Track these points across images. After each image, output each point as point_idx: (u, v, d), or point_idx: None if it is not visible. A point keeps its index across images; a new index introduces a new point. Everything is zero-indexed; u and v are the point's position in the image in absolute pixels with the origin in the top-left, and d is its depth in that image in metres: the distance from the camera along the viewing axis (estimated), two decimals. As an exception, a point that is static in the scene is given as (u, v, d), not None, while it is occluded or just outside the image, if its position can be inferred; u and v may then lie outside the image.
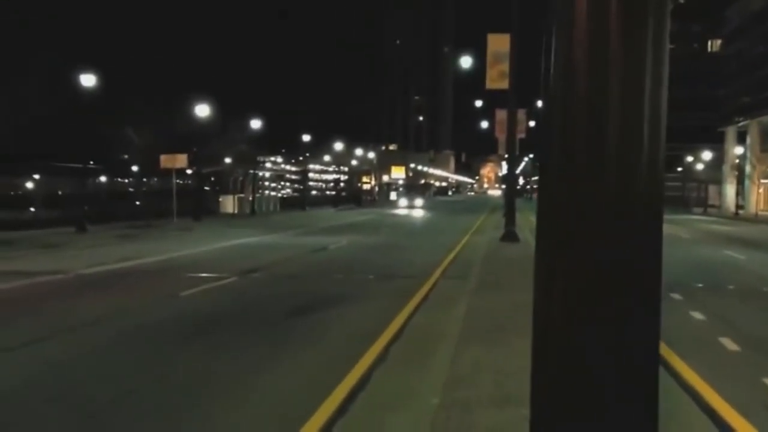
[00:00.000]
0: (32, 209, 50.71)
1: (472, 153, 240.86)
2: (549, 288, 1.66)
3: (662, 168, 1.62)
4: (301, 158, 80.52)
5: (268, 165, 79.92)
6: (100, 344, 8.89)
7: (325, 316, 10.68)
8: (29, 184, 66.33)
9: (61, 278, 15.13)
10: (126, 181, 66.93)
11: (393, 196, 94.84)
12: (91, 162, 53.31)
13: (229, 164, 51.73)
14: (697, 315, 10.90)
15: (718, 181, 71.05)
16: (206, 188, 52.46)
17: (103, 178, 65.90)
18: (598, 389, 1.61)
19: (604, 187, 1.58)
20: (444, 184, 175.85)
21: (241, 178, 57.06)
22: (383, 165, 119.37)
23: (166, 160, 38.91)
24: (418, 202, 71.90)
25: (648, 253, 1.61)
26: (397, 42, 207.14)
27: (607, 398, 1.61)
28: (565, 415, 1.64)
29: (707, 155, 70.02)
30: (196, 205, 43.08)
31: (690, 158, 71.24)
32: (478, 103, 65.91)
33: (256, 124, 51.75)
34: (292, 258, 19.75)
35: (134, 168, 52.75)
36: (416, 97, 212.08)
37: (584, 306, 1.60)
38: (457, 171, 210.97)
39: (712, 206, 69.78)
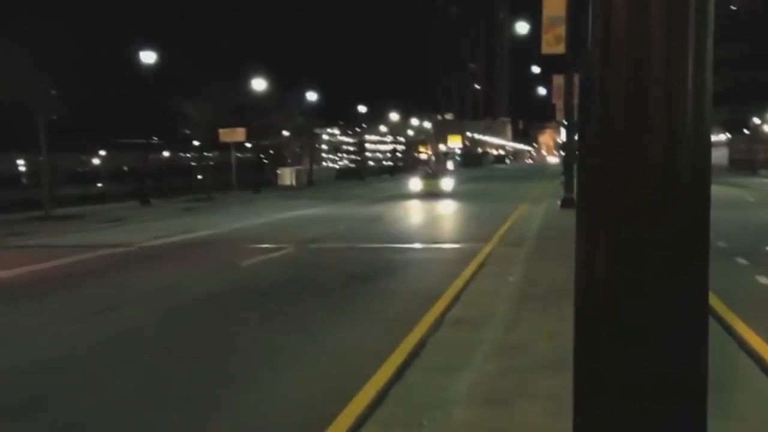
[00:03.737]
0: (99, 184, 52.37)
1: (530, 120, 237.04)
2: (591, 262, 1.60)
3: (709, 137, 1.55)
4: (357, 129, 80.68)
5: (326, 137, 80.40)
6: (164, 313, 9.21)
7: (381, 284, 10.79)
8: (96, 160, 68.38)
9: (126, 251, 15.65)
10: (187, 155, 68.23)
11: (449, 165, 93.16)
12: (154, 137, 54.60)
13: (286, 137, 52.25)
14: (763, 280, 10.61)
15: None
16: (265, 161, 53.15)
17: (165, 153, 67.41)
18: (643, 370, 1.55)
19: (647, 158, 1.51)
20: (501, 152, 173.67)
21: (298, 150, 57.60)
22: (439, 134, 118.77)
23: (225, 134, 39.56)
24: (444, 184, 35.30)
25: (695, 227, 1.54)
26: (452, 9, 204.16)
27: (653, 378, 1.55)
28: (609, 394, 1.59)
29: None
30: (255, 178, 43.75)
31: (757, 120, 68.63)
32: (536, 69, 64.57)
33: (312, 96, 52.05)
34: (348, 228, 19.94)
35: (195, 142, 53.79)
36: (472, 65, 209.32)
37: (626, 280, 1.54)
38: (515, 139, 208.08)
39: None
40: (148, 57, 32.31)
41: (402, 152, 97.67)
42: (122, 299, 10.02)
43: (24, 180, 50.64)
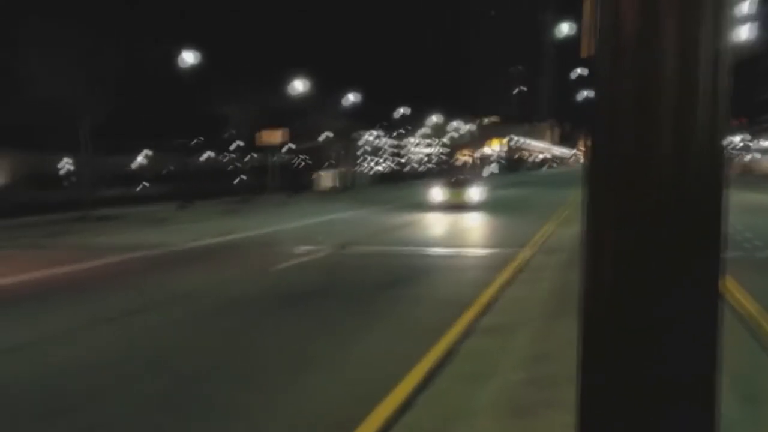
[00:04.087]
0: (141, 186, 53.19)
1: (576, 124, 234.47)
2: (597, 264, 1.54)
3: (722, 140, 1.46)
4: (397, 132, 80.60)
5: (364, 139, 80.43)
6: (195, 315, 9.15)
7: (413, 290, 10.59)
8: (138, 161, 69.54)
9: (161, 253, 15.71)
10: (227, 157, 69.01)
11: (488, 170, 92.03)
12: (195, 140, 55.35)
13: (325, 139, 52.41)
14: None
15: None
16: (302, 163, 53.41)
17: (207, 155, 68.21)
18: (649, 372, 1.50)
19: (653, 159, 1.45)
20: (545, 156, 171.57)
21: (336, 153, 57.74)
22: (482, 138, 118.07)
23: (264, 136, 39.79)
24: (471, 194, 29.30)
25: (705, 231, 1.47)
26: (492, 13, 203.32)
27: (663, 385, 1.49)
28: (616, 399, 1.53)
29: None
30: (292, 181, 43.93)
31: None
32: (580, 72, 63.71)
33: (353, 98, 52.09)
34: (382, 232, 19.78)
35: (235, 144, 54.33)
36: (516, 68, 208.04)
37: (631, 282, 1.49)
38: (561, 143, 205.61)
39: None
40: (189, 57, 32.63)
41: (443, 156, 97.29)
42: (152, 302, 10.00)
43: (67, 181, 51.75)
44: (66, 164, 55.83)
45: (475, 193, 28.65)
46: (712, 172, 1.45)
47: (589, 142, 1.59)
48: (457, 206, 27.35)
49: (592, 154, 1.55)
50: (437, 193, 28.96)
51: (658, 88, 1.42)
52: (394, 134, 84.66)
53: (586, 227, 1.57)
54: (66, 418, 5.42)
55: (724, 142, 1.47)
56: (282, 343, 7.63)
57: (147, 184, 53.62)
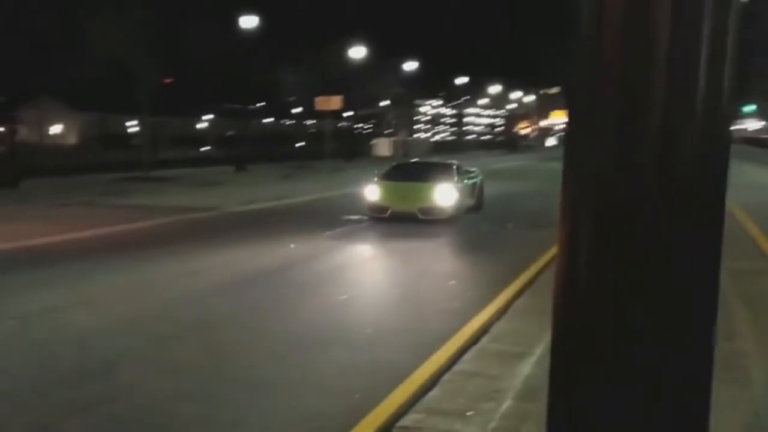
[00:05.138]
0: (203, 149, 54.10)
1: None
2: (573, 261, 1.40)
3: (725, 139, 1.30)
4: (456, 102, 79.83)
5: (424, 108, 79.91)
6: (243, 279, 9.22)
7: (462, 261, 10.53)
8: (201, 125, 70.73)
9: (213, 215, 15.97)
10: (286, 122, 69.49)
11: (549, 142, 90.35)
12: (255, 105, 55.84)
13: (383, 107, 52.28)
14: None
15: None
16: (360, 130, 53.45)
17: (266, 120, 68.87)
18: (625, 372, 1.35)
19: (640, 162, 1.29)
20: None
21: (394, 121, 57.54)
22: (542, 109, 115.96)
23: (321, 102, 39.84)
24: (440, 197, 14.49)
25: (703, 249, 1.33)
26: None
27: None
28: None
29: None
30: (349, 148, 44.03)
31: None
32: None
33: (412, 66, 51.68)
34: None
35: (294, 110, 54.67)
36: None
37: (607, 284, 1.35)
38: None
39: None
40: (248, 22, 32.81)
41: (501, 126, 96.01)
42: (195, 268, 10.05)
43: (135, 141, 53.02)
44: (133, 126, 57.16)
45: (447, 195, 14.55)
46: (712, 174, 1.30)
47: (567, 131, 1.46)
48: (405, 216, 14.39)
49: (571, 140, 1.42)
50: (372, 191, 14.90)
51: (645, 87, 1.26)
52: (453, 103, 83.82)
53: (562, 212, 1.42)
54: (103, 377, 5.54)
55: (726, 143, 1.32)
56: (321, 311, 7.66)
57: (208, 148, 54.50)
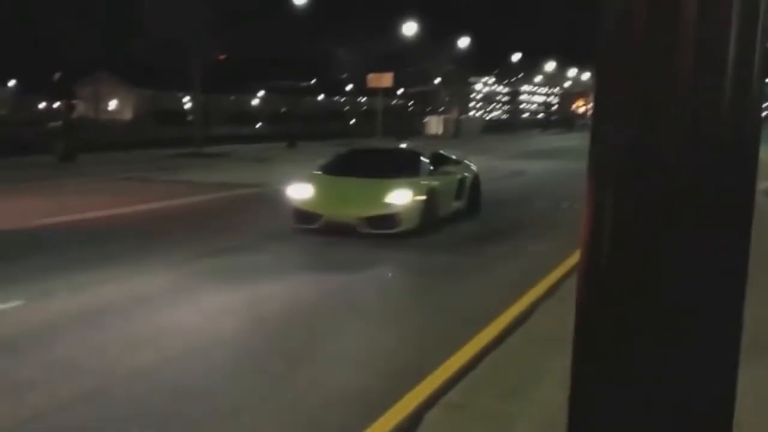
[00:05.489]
0: (255, 125, 54.55)
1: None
2: (596, 252, 1.27)
3: (756, 117, 1.17)
4: (510, 79, 78.65)
5: (477, 86, 78.94)
6: (270, 260, 9.16)
7: (508, 244, 10.28)
8: (254, 102, 71.32)
9: (258, 191, 15.99)
10: (337, 100, 69.54)
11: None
12: (308, 82, 56.05)
13: (435, 84, 51.78)
14: None
15: None
16: (411, 108, 53.12)
17: (317, 98, 69.08)
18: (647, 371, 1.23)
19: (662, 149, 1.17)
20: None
21: (447, 99, 56.99)
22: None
23: (373, 79, 39.66)
24: (396, 198, 10.26)
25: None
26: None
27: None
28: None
29: None
30: (400, 125, 43.79)
31: None
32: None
33: (465, 42, 50.96)
34: (488, 181, 19.34)
35: (346, 87, 54.66)
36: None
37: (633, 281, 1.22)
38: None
39: None
40: None
41: (557, 104, 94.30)
42: (236, 243, 9.99)
43: (190, 117, 53.79)
44: (188, 102, 57.97)
45: (403, 197, 10.35)
46: (741, 160, 1.18)
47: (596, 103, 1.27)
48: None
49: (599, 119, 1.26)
50: (301, 189, 10.82)
51: (669, 52, 1.14)
52: (507, 82, 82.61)
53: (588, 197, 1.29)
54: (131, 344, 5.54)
55: (758, 122, 1.18)
56: (364, 286, 7.54)
57: (261, 124, 54.91)
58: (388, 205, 10.24)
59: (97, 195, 14.74)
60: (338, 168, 11.46)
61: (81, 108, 40.68)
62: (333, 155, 12.40)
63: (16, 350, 5.46)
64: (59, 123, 24.41)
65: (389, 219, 10.10)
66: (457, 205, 11.93)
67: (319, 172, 11.35)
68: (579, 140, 46.58)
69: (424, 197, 10.50)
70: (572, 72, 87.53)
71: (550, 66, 78.12)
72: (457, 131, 51.94)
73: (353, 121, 50.71)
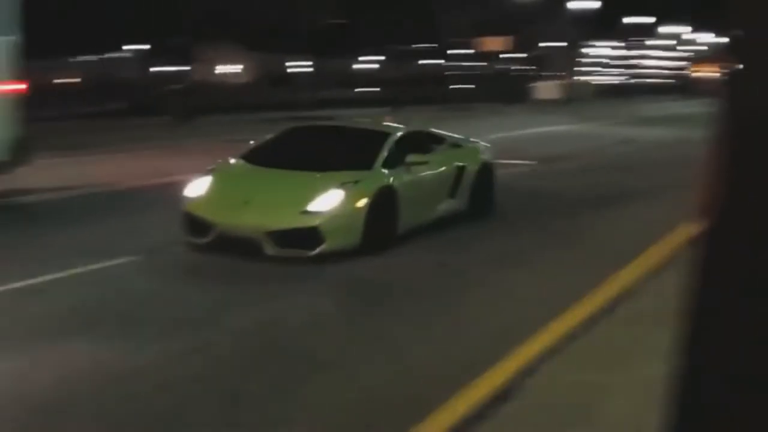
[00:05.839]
0: (361, 89, 54.81)
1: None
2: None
3: None
4: (628, 43, 75.34)
5: (592, 50, 76.11)
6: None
7: (617, 214, 10.02)
8: (361, 66, 71.52)
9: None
10: (444, 63, 68.73)
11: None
12: (418, 45, 55.73)
13: (550, 48, 50.36)
14: None
15: None
16: (524, 72, 51.86)
17: (426, 62, 68.47)
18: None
19: None
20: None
21: (560, 63, 55.30)
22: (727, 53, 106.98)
23: (487, 43, 39.08)
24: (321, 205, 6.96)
25: None
26: None
27: None
28: None
29: None
30: (510, 90, 42.92)
31: None
32: None
33: (581, 5, 49.17)
34: (596, 148, 18.75)
35: (456, 51, 53.95)
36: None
37: None
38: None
39: None
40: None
41: (676, 69, 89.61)
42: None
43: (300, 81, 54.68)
44: (296, 67, 58.91)
45: (328, 201, 7.02)
46: None
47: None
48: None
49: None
50: (197, 185, 7.60)
51: None
52: (625, 45, 79.19)
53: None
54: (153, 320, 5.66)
55: None
56: (442, 262, 7.49)
57: (367, 89, 55.16)
58: (307, 213, 6.93)
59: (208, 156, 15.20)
60: (266, 154, 8.25)
61: (200, 71, 42.19)
62: (269, 136, 9.08)
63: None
64: (180, 86, 25.48)
65: (307, 234, 6.83)
66: (447, 206, 8.70)
67: (239, 160, 8.18)
68: (697, 107, 44.31)
69: (366, 200, 7.09)
70: (696, 36, 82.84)
71: (671, 29, 74.29)
72: (569, 96, 50.30)
73: (465, 85, 49.99)
